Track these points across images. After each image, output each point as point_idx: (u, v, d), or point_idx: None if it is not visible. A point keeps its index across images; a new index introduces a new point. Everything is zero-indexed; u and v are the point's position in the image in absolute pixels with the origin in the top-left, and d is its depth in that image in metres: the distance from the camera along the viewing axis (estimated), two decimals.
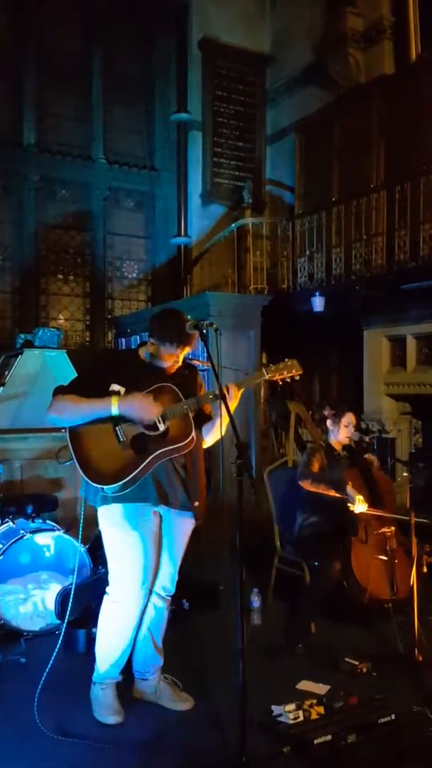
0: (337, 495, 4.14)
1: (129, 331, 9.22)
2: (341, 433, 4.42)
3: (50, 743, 2.92)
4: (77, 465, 3.02)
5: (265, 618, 4.37)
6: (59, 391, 3.08)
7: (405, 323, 7.50)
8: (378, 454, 6.63)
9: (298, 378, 3.26)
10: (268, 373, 3.22)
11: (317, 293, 7.95)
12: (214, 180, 10.35)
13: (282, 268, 9.12)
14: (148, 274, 10.60)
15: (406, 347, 7.56)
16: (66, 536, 4.37)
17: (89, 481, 3.01)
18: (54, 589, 4.23)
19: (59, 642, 3.20)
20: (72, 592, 3.33)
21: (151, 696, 3.33)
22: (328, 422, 4.49)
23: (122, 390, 3.05)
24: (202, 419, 3.23)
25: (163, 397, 3.09)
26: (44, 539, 4.38)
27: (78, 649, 3.92)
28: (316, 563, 4.17)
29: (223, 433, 3.19)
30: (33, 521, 4.51)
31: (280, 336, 8.07)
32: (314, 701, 3.16)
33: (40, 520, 4.56)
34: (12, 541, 4.20)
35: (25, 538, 4.24)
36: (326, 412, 4.52)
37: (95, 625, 3.41)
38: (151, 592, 3.25)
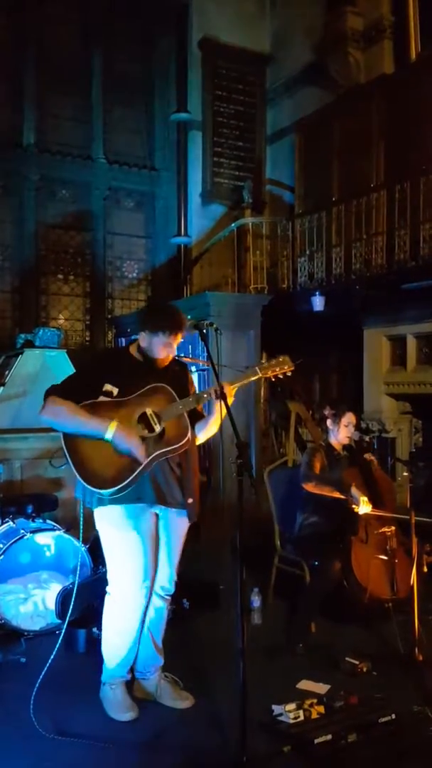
0: (342, 496, 4.14)
1: (129, 330, 9.22)
2: (341, 432, 4.42)
3: (51, 743, 2.92)
4: (73, 469, 3.01)
5: (265, 617, 4.38)
6: (52, 392, 3.07)
7: (405, 323, 7.50)
8: (378, 453, 6.62)
9: (290, 374, 3.24)
10: (260, 371, 3.20)
11: (317, 293, 7.94)
12: (214, 180, 10.34)
13: (282, 267, 9.12)
14: (148, 274, 10.59)
15: (407, 347, 7.56)
16: (66, 536, 4.37)
17: (87, 485, 3.00)
18: (54, 588, 4.23)
19: (59, 642, 3.19)
20: (74, 592, 3.33)
21: (151, 695, 3.34)
22: (328, 422, 4.49)
23: (115, 390, 3.06)
24: (195, 417, 3.23)
25: (157, 397, 3.09)
26: (44, 539, 4.38)
27: (79, 648, 3.92)
28: (317, 563, 4.17)
29: (215, 431, 3.20)
30: (33, 521, 4.51)
31: (280, 335, 8.06)
32: (315, 701, 3.16)
33: (41, 520, 4.56)
34: (12, 540, 4.20)
35: (25, 537, 4.24)
36: (326, 412, 4.52)
37: (96, 624, 3.42)
38: (151, 592, 3.25)
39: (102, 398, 3.06)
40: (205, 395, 3.12)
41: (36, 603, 4.20)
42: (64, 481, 5.67)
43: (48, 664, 3.09)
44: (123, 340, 9.52)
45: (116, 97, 10.25)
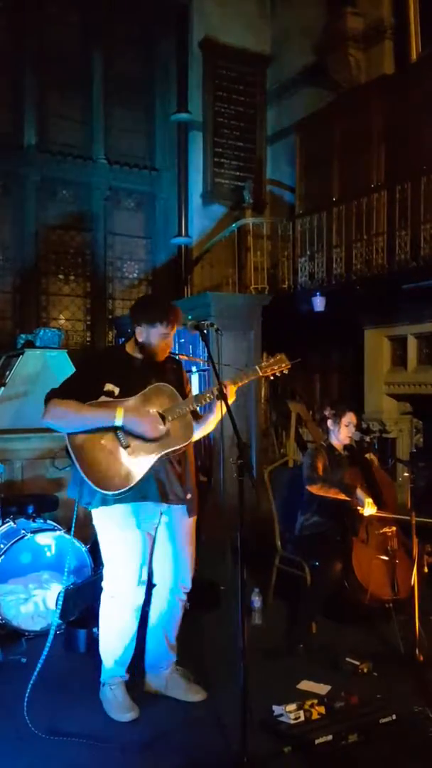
0: (347, 498, 4.14)
1: (129, 331, 9.20)
2: (342, 432, 4.42)
3: (51, 743, 2.92)
4: (80, 471, 3.00)
5: (265, 618, 4.38)
6: (52, 395, 3.07)
7: (405, 323, 7.50)
8: (379, 454, 6.62)
9: (287, 371, 3.27)
10: (260, 370, 3.23)
11: (318, 293, 7.95)
12: (215, 180, 10.34)
13: (282, 267, 9.12)
14: (148, 274, 10.59)
15: (407, 347, 7.56)
16: (67, 536, 4.38)
17: (95, 487, 2.99)
18: (55, 588, 4.23)
19: (49, 641, 3.17)
20: (63, 593, 3.33)
21: (162, 689, 3.35)
22: (329, 422, 4.49)
23: (116, 390, 3.06)
24: (192, 415, 3.24)
25: (160, 396, 3.11)
26: (45, 539, 4.39)
27: (79, 649, 3.92)
28: (317, 563, 4.17)
29: (211, 429, 3.21)
30: (34, 521, 4.52)
31: (281, 336, 8.04)
32: (315, 701, 3.16)
33: (41, 520, 4.57)
34: (13, 541, 4.21)
35: (26, 538, 4.24)
36: (327, 412, 4.52)
37: (96, 625, 3.42)
38: (169, 590, 3.28)
39: (104, 398, 3.06)
40: (208, 395, 3.14)
41: (36, 603, 4.20)
42: (65, 482, 5.67)
43: (39, 664, 3.08)
44: (123, 340, 9.51)
45: (117, 97, 10.25)
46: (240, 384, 3.18)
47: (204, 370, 7.23)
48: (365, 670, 3.61)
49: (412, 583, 3.76)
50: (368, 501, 4.09)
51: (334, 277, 8.23)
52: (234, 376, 3.19)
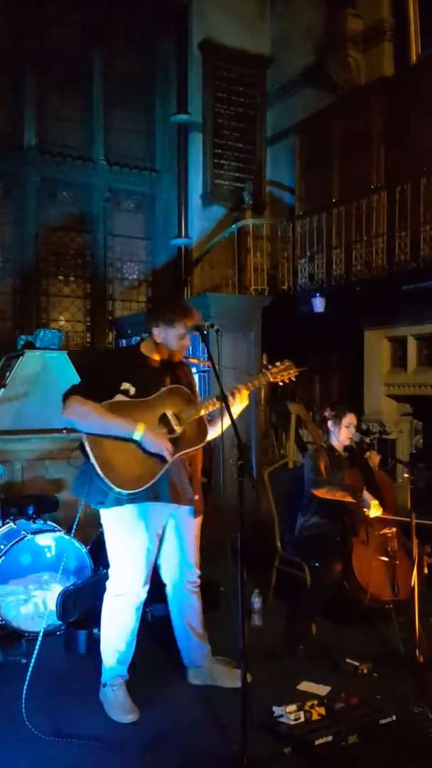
0: (353, 501, 4.15)
1: (129, 332, 9.22)
2: (342, 433, 4.42)
3: (51, 744, 2.92)
4: (97, 469, 3.01)
5: (265, 619, 4.38)
6: (73, 392, 3.10)
7: (405, 324, 7.50)
8: (377, 453, 6.61)
9: (294, 379, 3.37)
10: (271, 376, 3.32)
11: (318, 294, 7.95)
12: (215, 181, 10.34)
13: (282, 269, 9.13)
14: (148, 276, 10.60)
15: (407, 348, 7.56)
16: (67, 537, 4.38)
17: (113, 486, 3.00)
18: (55, 589, 4.23)
19: (38, 643, 3.17)
20: (62, 594, 3.33)
21: (207, 680, 3.42)
22: (329, 423, 4.49)
23: (132, 389, 3.09)
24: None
25: (175, 398, 3.17)
26: (45, 540, 4.38)
27: (79, 650, 3.92)
28: (317, 564, 4.18)
29: (221, 432, 3.23)
30: (34, 522, 4.51)
31: (281, 337, 8.06)
32: (315, 702, 3.15)
33: (41, 521, 4.57)
34: (13, 542, 4.20)
35: (26, 539, 4.24)
36: (327, 413, 4.52)
37: (96, 626, 3.42)
38: (179, 584, 3.37)
39: (120, 397, 3.10)
40: (217, 398, 3.18)
41: (37, 604, 4.20)
42: (65, 482, 5.67)
43: (31, 664, 3.09)
44: (123, 341, 9.52)
45: (116, 98, 10.26)
46: (252, 389, 3.28)
47: (204, 371, 7.23)
48: (365, 671, 3.60)
49: (412, 584, 3.75)
50: (374, 503, 4.11)
51: (334, 278, 8.24)
52: (246, 382, 3.27)
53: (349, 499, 4.16)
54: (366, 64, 8.80)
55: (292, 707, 3.08)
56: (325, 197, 8.73)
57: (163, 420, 3.12)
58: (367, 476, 4.32)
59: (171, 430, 3.11)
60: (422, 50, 8.28)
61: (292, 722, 3.01)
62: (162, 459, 3.06)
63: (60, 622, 4.06)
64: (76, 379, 6.59)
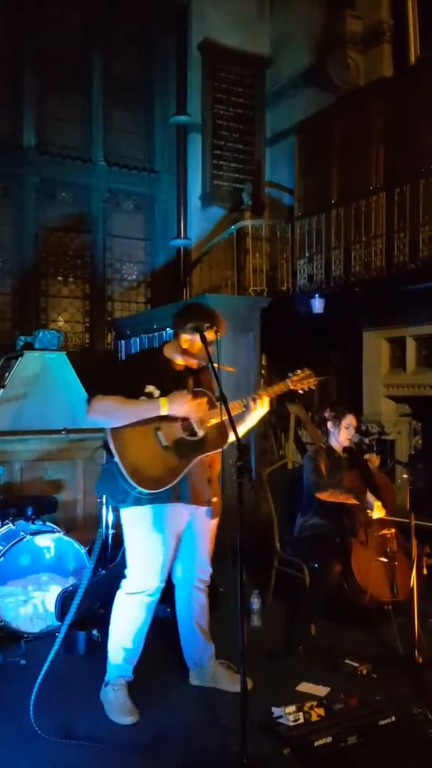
0: (357, 503, 4.15)
1: (128, 333, 9.22)
2: (341, 434, 4.42)
3: (51, 745, 2.92)
4: (121, 468, 3.03)
5: (265, 620, 4.37)
6: (96, 392, 3.12)
7: (404, 325, 7.50)
8: (378, 455, 6.61)
9: (314, 387, 3.44)
10: (291, 384, 3.40)
11: (317, 295, 7.95)
12: (214, 182, 10.35)
13: (281, 269, 9.13)
14: (147, 276, 10.60)
15: (406, 349, 7.56)
16: (66, 538, 4.38)
17: (135, 485, 3.02)
18: (54, 590, 4.23)
19: (55, 645, 3.18)
20: (61, 595, 3.33)
21: (209, 682, 3.44)
22: (329, 424, 4.49)
23: (156, 392, 3.11)
24: None
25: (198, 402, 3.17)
26: (44, 541, 4.38)
27: (78, 651, 3.92)
28: (316, 565, 4.17)
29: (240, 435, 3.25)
30: (33, 523, 4.51)
31: (280, 338, 8.07)
32: (314, 703, 3.16)
33: (40, 522, 4.56)
34: (12, 543, 4.20)
35: (25, 539, 4.24)
36: (326, 414, 4.52)
37: (96, 627, 3.42)
38: (191, 583, 3.39)
39: (143, 399, 3.12)
40: (243, 402, 3.26)
41: (36, 605, 4.20)
42: (64, 483, 5.68)
43: (44, 668, 3.09)
44: (122, 342, 9.51)
45: (116, 99, 10.26)
46: (273, 395, 3.33)
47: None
48: (364, 672, 3.60)
49: (412, 584, 3.76)
50: (377, 504, 4.12)
51: (333, 279, 8.24)
52: (267, 388, 3.34)
53: (352, 500, 4.16)
54: (365, 65, 8.81)
55: (292, 708, 3.08)
56: (325, 198, 8.74)
57: (186, 423, 3.15)
58: (366, 477, 4.32)
59: (193, 434, 3.15)
60: (421, 51, 8.28)
61: (292, 723, 3.01)
62: (182, 458, 3.08)
63: (60, 623, 4.06)
64: (75, 380, 6.61)
